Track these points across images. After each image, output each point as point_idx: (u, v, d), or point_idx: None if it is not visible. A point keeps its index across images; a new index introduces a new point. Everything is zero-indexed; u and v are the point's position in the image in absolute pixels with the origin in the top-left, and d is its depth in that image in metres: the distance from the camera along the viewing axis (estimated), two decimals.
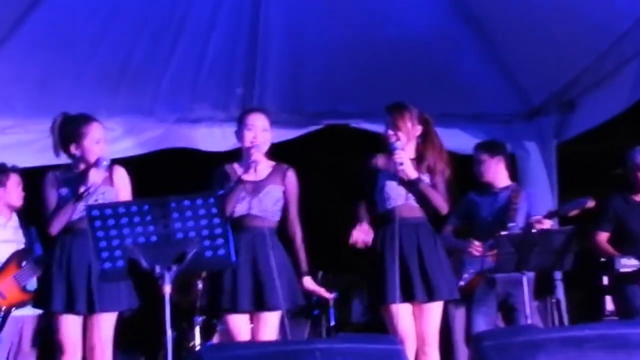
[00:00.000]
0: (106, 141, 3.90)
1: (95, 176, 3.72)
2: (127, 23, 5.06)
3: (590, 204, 4.25)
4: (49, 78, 5.22)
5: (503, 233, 4.27)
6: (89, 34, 5.06)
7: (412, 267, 3.77)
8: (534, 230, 4.23)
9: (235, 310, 3.66)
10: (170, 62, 5.34)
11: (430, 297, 3.79)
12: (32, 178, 4.42)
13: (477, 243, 4.43)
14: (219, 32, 5.24)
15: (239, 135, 3.83)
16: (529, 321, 4.21)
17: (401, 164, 3.80)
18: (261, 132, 3.77)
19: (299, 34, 5.33)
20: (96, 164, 3.76)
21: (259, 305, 3.65)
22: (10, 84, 5.16)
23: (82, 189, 3.69)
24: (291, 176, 3.84)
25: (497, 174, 4.69)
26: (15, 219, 4.62)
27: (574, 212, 4.31)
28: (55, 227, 3.75)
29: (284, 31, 5.32)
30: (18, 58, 5.02)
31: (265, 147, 3.79)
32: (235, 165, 3.83)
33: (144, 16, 5.04)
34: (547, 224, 4.32)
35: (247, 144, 3.76)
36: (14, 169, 4.64)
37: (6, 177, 4.58)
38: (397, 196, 3.84)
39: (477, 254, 4.41)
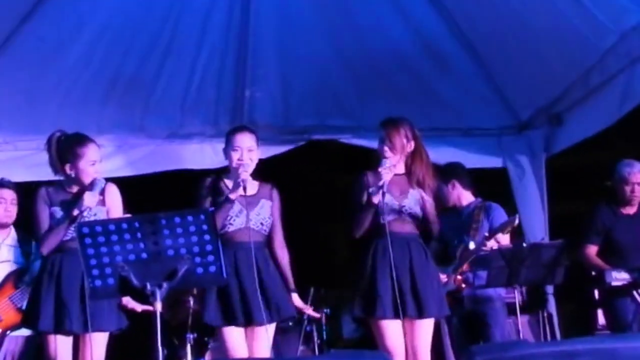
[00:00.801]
0: (101, 162, 3.87)
1: (90, 199, 3.68)
2: (117, 39, 5.07)
3: (516, 221, 4.31)
4: (38, 95, 5.21)
5: (494, 248, 4.30)
6: (79, 50, 5.06)
7: (403, 283, 3.77)
8: (494, 247, 4.29)
9: (249, 324, 3.67)
10: (160, 77, 5.35)
11: (420, 314, 3.79)
12: (24, 194, 4.38)
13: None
14: (209, 48, 5.26)
15: (226, 154, 3.86)
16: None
17: (381, 186, 3.79)
18: (247, 153, 3.79)
19: (288, 50, 5.35)
20: (91, 186, 3.73)
21: (256, 320, 3.66)
22: None
23: (75, 212, 3.66)
24: (276, 194, 3.90)
25: (456, 196, 4.75)
26: (13, 237, 4.52)
27: (506, 231, 4.35)
28: (47, 248, 3.72)
29: (274, 46, 5.33)
30: (7, 74, 5.01)
31: (252, 166, 3.81)
32: (227, 181, 3.84)
33: (134, 32, 5.05)
34: (491, 243, 4.34)
35: (233, 164, 3.79)
36: (4, 185, 4.49)
37: None
38: (389, 211, 3.85)
39: (443, 282, 4.41)
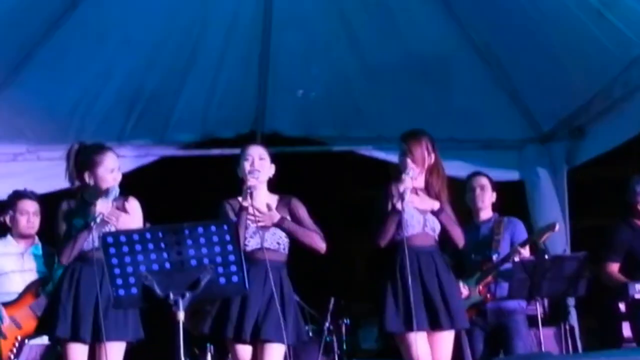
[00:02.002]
0: (119, 171, 3.90)
1: (102, 206, 3.72)
2: (140, 53, 5.12)
3: (557, 227, 4.32)
4: (61, 106, 5.27)
5: (516, 260, 4.28)
6: (101, 63, 5.12)
7: (434, 295, 3.76)
8: (516, 259, 4.28)
9: (239, 340, 3.67)
10: (183, 90, 5.39)
11: (453, 325, 3.78)
12: (46, 204, 4.41)
13: (461, 285, 4.40)
14: (231, 59, 5.30)
15: (239, 167, 3.87)
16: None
17: (403, 192, 3.78)
18: (258, 161, 3.83)
19: (310, 61, 5.37)
20: (106, 193, 3.77)
21: (263, 336, 3.66)
22: (22, 111, 5.21)
23: (90, 219, 3.69)
24: (295, 203, 3.89)
25: (487, 205, 4.68)
26: (37, 246, 4.53)
27: (545, 237, 4.36)
28: (65, 258, 3.76)
29: (295, 58, 5.36)
30: (31, 86, 5.07)
31: (264, 176, 3.83)
32: (238, 199, 3.85)
33: (157, 45, 5.10)
34: (526, 251, 4.34)
35: (245, 173, 3.81)
36: (27, 196, 4.52)
37: (15, 204, 4.46)
38: (415, 224, 3.85)
39: (464, 295, 4.38)
